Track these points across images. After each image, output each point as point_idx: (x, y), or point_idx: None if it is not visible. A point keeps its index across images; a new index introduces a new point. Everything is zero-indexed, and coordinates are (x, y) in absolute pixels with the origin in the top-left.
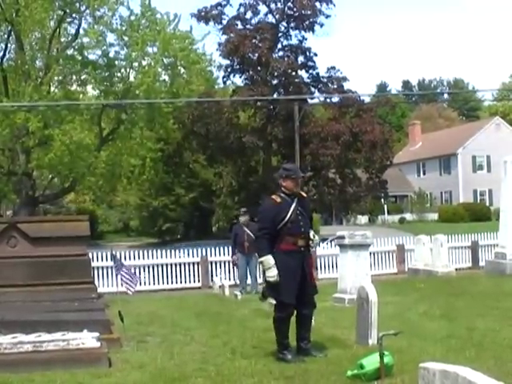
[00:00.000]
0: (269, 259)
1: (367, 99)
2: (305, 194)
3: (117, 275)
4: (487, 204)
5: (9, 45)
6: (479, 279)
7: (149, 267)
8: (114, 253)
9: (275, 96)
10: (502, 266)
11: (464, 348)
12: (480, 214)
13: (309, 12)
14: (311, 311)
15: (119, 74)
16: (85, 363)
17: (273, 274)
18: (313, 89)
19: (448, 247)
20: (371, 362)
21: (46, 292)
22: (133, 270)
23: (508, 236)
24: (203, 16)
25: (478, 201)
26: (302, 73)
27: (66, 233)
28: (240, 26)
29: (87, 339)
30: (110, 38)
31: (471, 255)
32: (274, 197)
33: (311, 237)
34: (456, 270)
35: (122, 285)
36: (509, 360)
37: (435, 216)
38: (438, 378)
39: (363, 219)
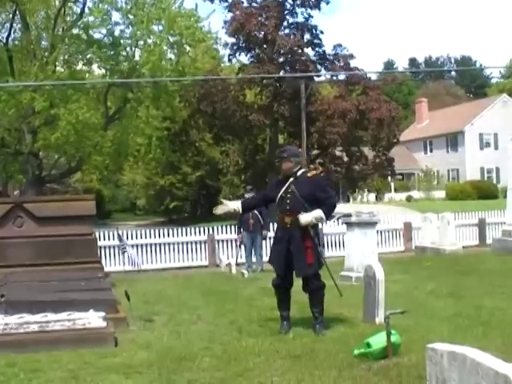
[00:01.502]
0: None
1: (374, 77)
2: (310, 174)
3: (123, 253)
4: (494, 182)
5: (14, 24)
6: (486, 257)
7: (156, 246)
8: (119, 233)
9: (281, 74)
10: (510, 244)
11: (471, 327)
12: (487, 192)
13: None
14: (310, 289)
15: (124, 53)
16: (91, 343)
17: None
18: (319, 66)
19: (455, 225)
20: (378, 341)
21: (53, 272)
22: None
23: None
24: None
25: (485, 178)
26: (309, 50)
27: (72, 212)
28: (246, 4)
29: (93, 319)
30: (115, 16)
31: (478, 233)
32: (279, 176)
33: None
34: (463, 247)
35: (130, 263)
36: None
37: (442, 194)
38: (446, 359)
39: (370, 197)
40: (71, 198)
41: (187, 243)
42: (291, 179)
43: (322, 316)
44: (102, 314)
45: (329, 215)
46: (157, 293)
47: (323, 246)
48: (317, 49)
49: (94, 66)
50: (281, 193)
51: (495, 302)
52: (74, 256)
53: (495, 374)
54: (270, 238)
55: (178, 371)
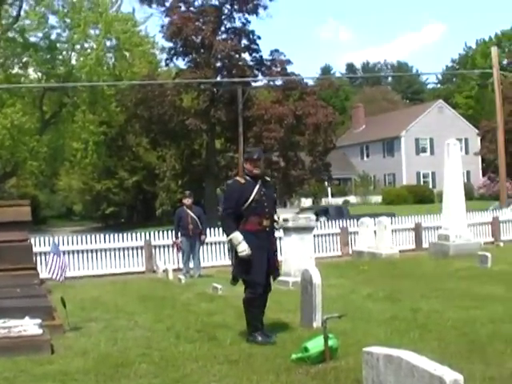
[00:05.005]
0: (237, 235)
1: (311, 82)
2: (268, 179)
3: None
4: (430, 186)
5: None
6: (423, 261)
7: (92, 252)
8: (55, 241)
9: (218, 79)
10: (446, 248)
11: (408, 330)
12: (423, 196)
13: None
14: (270, 289)
15: (61, 57)
16: (27, 350)
17: (243, 248)
18: (256, 72)
19: (391, 229)
20: (316, 345)
21: None
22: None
23: (451, 218)
24: None
25: (422, 183)
26: (246, 55)
27: (6, 218)
28: (183, 8)
29: (29, 326)
30: (52, 20)
31: (415, 237)
32: (238, 178)
33: (275, 218)
34: (400, 251)
35: (51, 272)
36: (452, 341)
37: (379, 198)
38: (382, 362)
39: (307, 202)
40: (6, 203)
41: (124, 249)
42: (259, 182)
43: None
44: (38, 321)
45: None
46: (93, 299)
47: None
48: (254, 54)
49: (30, 70)
50: (254, 195)
51: (431, 304)
52: (9, 262)
53: (430, 376)
54: (207, 244)
55: (115, 378)
